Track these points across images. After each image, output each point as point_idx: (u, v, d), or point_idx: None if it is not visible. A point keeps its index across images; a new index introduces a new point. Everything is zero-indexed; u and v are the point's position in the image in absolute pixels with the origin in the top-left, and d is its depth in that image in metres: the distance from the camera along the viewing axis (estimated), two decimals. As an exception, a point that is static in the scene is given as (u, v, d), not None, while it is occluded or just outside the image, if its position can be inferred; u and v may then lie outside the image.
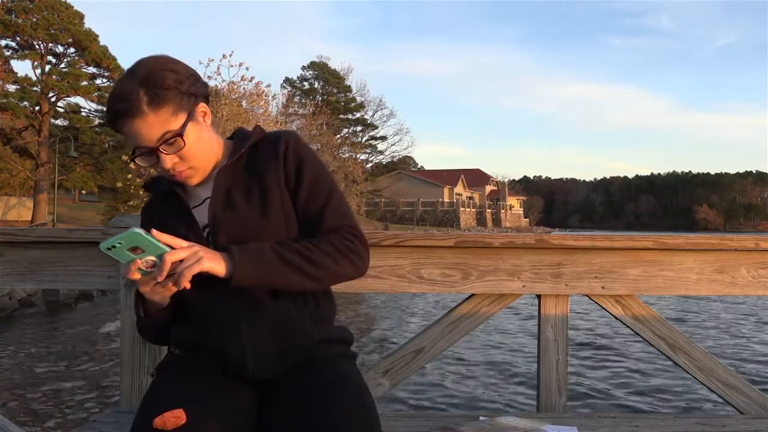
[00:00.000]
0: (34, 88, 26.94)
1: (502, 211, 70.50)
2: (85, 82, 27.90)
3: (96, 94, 28.11)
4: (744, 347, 8.60)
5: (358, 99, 55.42)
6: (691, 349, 1.96)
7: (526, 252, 1.94)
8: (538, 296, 1.95)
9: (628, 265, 1.94)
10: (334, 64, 56.52)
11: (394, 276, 1.91)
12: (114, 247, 1.12)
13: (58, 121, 29.40)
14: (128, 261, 1.15)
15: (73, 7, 27.88)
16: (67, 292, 13.25)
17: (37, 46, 27.45)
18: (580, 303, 10.21)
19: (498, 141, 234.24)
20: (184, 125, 1.26)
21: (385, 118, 62.63)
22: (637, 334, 1.97)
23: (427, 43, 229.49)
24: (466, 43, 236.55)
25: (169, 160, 1.27)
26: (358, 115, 55.07)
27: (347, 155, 44.04)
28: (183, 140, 1.26)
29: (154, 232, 1.15)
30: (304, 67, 55.31)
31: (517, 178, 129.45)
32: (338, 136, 45.86)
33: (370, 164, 56.62)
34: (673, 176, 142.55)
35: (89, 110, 29.45)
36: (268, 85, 26.39)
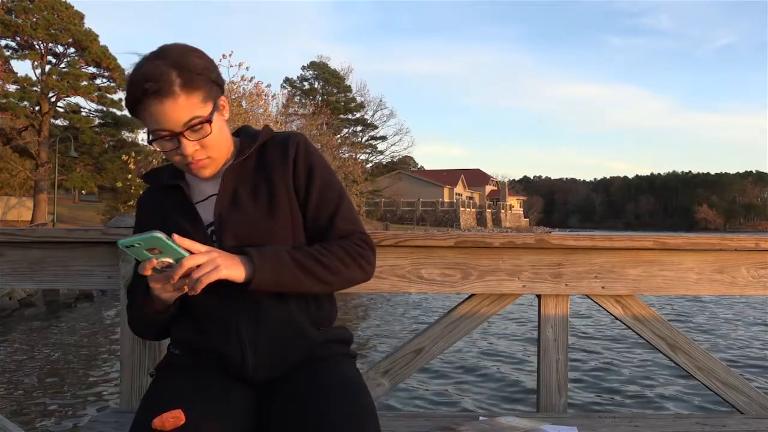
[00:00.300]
0: (34, 88, 26.91)
1: (502, 211, 70.47)
2: (85, 82, 27.88)
3: (96, 94, 28.11)
4: (744, 347, 8.60)
5: (358, 99, 55.47)
6: (691, 349, 1.96)
7: (526, 252, 1.94)
8: (538, 296, 1.95)
9: (628, 265, 1.94)
10: (334, 64, 56.78)
11: (395, 276, 1.91)
12: (133, 246, 1.13)
13: (58, 121, 29.37)
14: (144, 259, 1.16)
15: (73, 7, 27.87)
16: (67, 292, 13.24)
17: (37, 46, 27.43)
18: (581, 303, 10.22)
19: (498, 141, 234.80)
20: (212, 113, 1.25)
21: (385, 118, 62.76)
22: (637, 334, 1.97)
23: (427, 43, 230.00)
24: (466, 43, 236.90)
25: (191, 146, 1.24)
26: (358, 115, 55.11)
27: (347, 155, 43.98)
28: (210, 127, 1.25)
29: (176, 237, 1.15)
30: (304, 67, 55.44)
31: (517, 178, 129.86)
32: (338, 136, 45.83)
33: (370, 164, 56.65)
34: (673, 176, 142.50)
35: (89, 110, 29.46)
36: (268, 85, 26.51)
